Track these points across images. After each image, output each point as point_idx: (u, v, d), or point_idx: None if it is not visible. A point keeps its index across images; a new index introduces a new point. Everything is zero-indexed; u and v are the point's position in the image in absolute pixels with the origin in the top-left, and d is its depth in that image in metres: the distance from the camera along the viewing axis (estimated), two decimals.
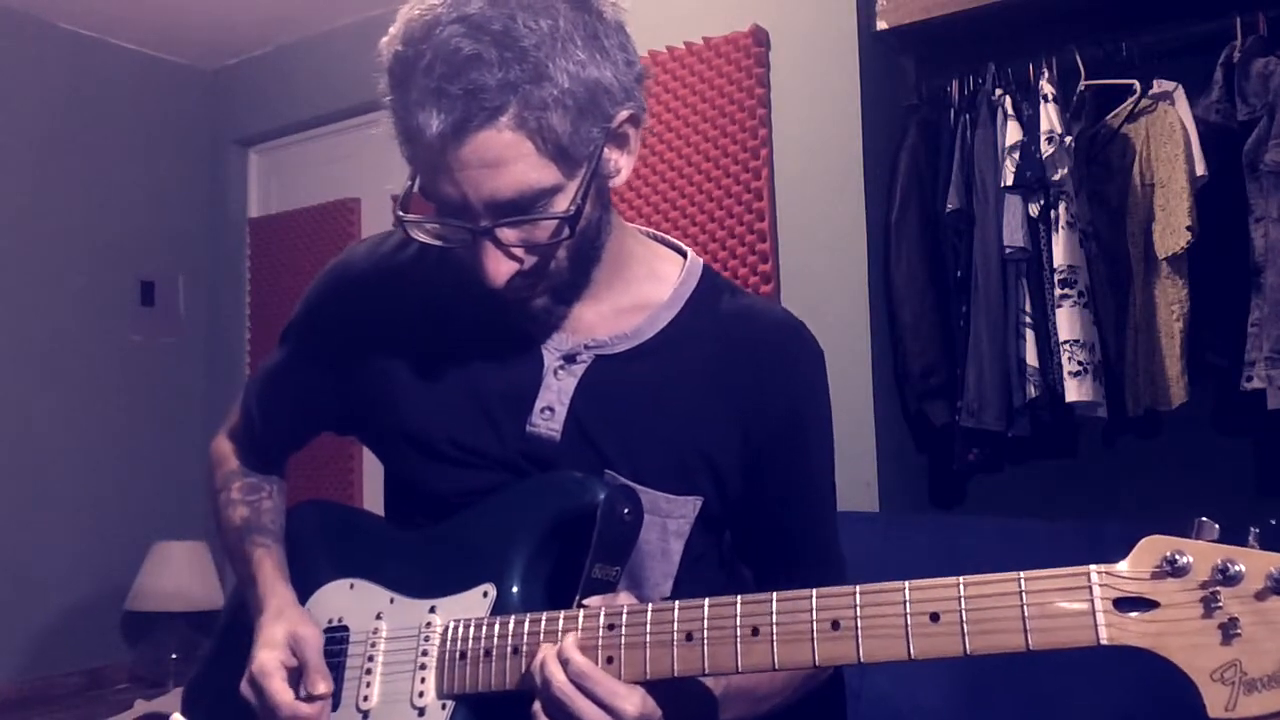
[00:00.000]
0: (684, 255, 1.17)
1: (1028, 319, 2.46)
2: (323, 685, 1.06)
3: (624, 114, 0.99)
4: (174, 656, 3.64)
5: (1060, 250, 2.39)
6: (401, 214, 1.01)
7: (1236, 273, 2.29)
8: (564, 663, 0.93)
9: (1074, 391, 2.37)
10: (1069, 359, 2.37)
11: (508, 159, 0.92)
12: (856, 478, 2.51)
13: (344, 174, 3.93)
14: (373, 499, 3.55)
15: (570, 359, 1.09)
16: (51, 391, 3.68)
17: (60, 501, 3.65)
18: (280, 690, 1.06)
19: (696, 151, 2.78)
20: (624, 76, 0.98)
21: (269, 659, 1.07)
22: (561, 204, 0.96)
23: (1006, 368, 2.47)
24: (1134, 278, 2.44)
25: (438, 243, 1.03)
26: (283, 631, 1.10)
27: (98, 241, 3.83)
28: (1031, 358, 2.43)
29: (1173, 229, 2.33)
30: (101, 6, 3.66)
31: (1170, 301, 2.37)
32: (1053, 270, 2.41)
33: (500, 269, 0.98)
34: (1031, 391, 2.42)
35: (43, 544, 3.60)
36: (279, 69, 4.02)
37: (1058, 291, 2.39)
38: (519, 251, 0.98)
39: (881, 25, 2.64)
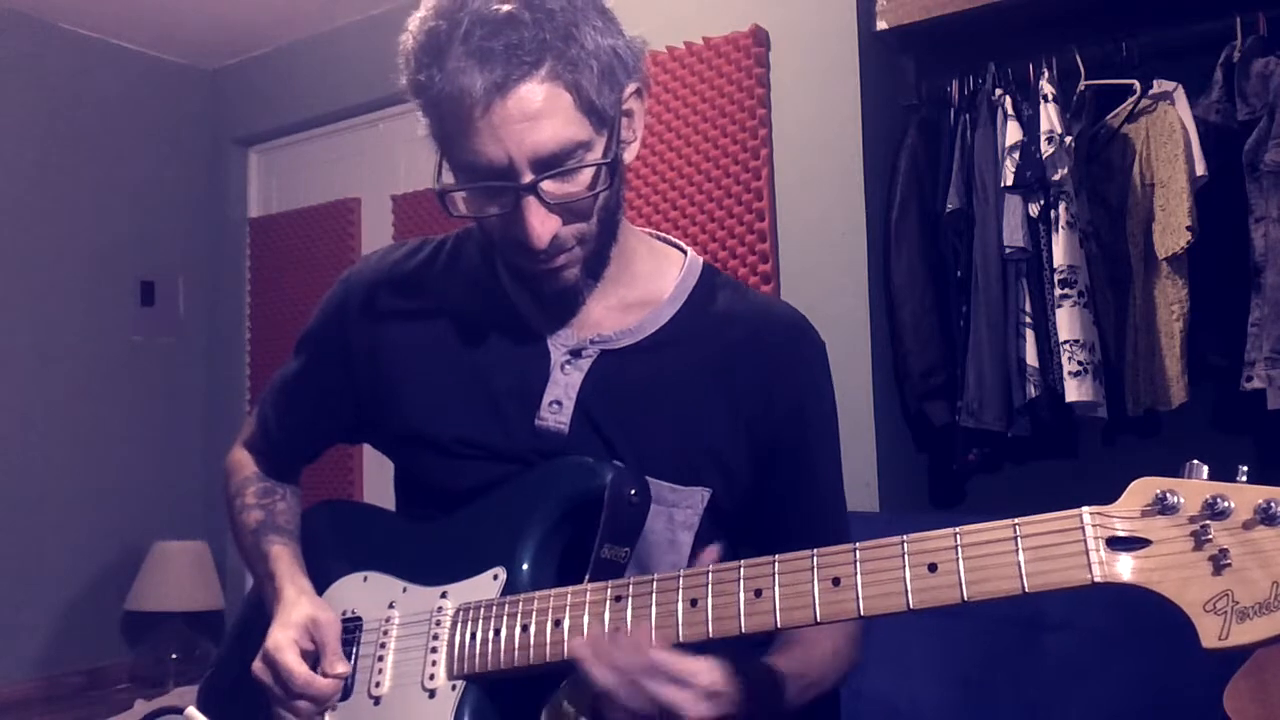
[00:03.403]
0: (684, 253, 1.20)
1: (1028, 319, 2.46)
2: (340, 666, 1.09)
3: (632, 86, 1.05)
4: (174, 656, 3.64)
5: (1060, 250, 2.39)
6: (438, 186, 1.04)
7: (1236, 273, 2.29)
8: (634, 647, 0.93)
9: (1074, 391, 2.37)
10: (1069, 359, 2.37)
11: (547, 112, 0.97)
12: (856, 478, 2.51)
13: (344, 174, 3.93)
14: (373, 499, 3.56)
15: (576, 353, 1.12)
16: (51, 391, 3.68)
17: (60, 501, 3.66)
18: (296, 663, 1.08)
19: (696, 151, 2.78)
20: (631, 48, 1.05)
21: (284, 637, 1.10)
22: (596, 157, 1.01)
23: (1006, 368, 2.47)
24: (1134, 278, 2.44)
25: (474, 215, 1.06)
26: (300, 614, 1.12)
27: (98, 241, 3.83)
28: (1031, 358, 2.43)
29: (1173, 229, 2.33)
30: (101, 6, 3.66)
31: (1170, 301, 2.37)
32: (1053, 270, 2.41)
33: (545, 226, 1.01)
34: (1031, 391, 2.42)
35: (43, 544, 3.60)
36: (279, 69, 4.02)
37: (1058, 291, 2.39)
38: (560, 208, 1.02)
39: (881, 25, 2.64)
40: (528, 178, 0.99)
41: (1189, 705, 1.86)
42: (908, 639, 2.11)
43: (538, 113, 0.97)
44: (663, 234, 1.23)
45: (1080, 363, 2.37)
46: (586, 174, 1.01)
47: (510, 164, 0.98)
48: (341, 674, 1.09)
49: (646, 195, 2.85)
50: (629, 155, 1.08)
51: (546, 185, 0.99)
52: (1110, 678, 2.00)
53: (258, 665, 1.10)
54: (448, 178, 1.05)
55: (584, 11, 0.99)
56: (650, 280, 1.16)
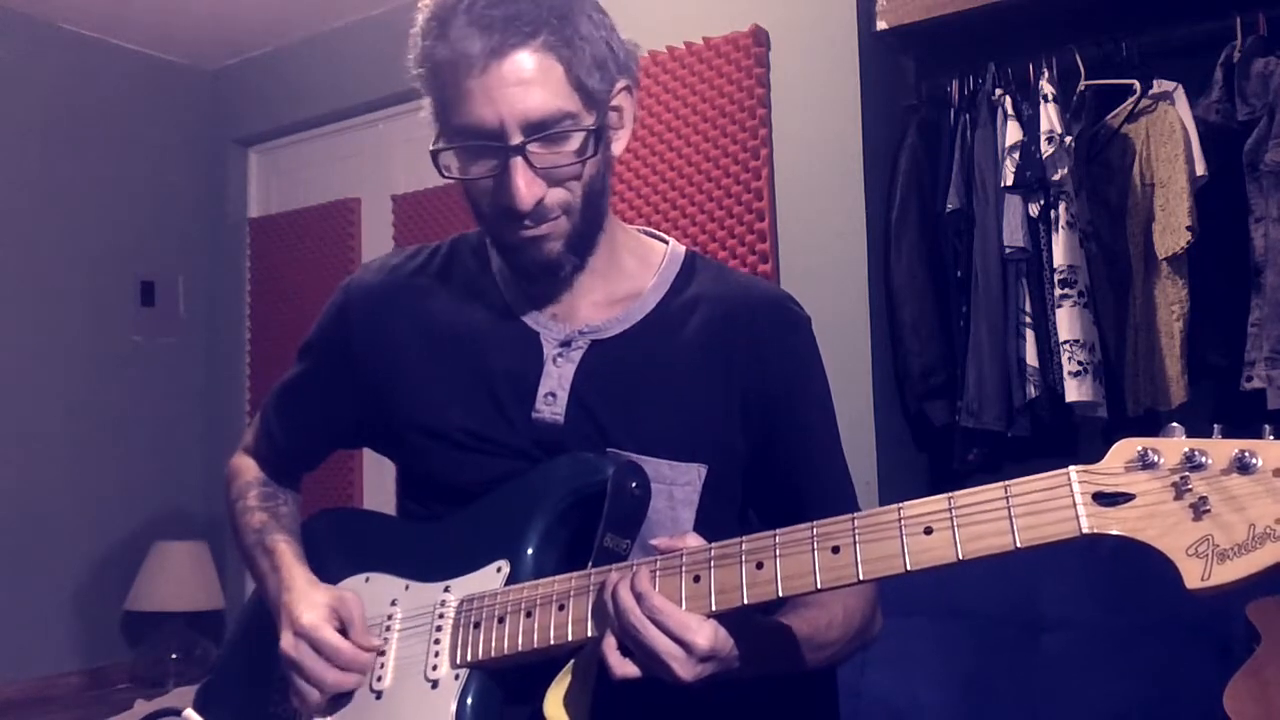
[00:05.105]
0: (667, 243, 1.25)
1: (1028, 319, 2.46)
2: (375, 639, 1.12)
3: (622, 83, 1.12)
4: (174, 656, 3.64)
5: (1060, 250, 2.39)
6: (433, 147, 1.10)
7: (1236, 273, 2.29)
8: (638, 595, 0.96)
9: (1074, 391, 2.37)
10: (1069, 359, 2.37)
11: (539, 79, 1.04)
12: (857, 478, 2.46)
13: (344, 174, 3.93)
14: (373, 503, 3.56)
15: (567, 345, 1.16)
16: (51, 391, 3.68)
17: (60, 501, 3.65)
18: (338, 638, 1.10)
19: (696, 151, 2.78)
20: (623, 47, 1.11)
21: (316, 615, 1.11)
22: (584, 127, 1.07)
23: (1006, 368, 2.47)
24: (1134, 278, 2.44)
25: (464, 176, 1.10)
26: (325, 595, 1.14)
27: (98, 241, 3.83)
28: (1031, 358, 2.43)
29: (1173, 229, 2.34)
30: (101, 6, 3.66)
31: (1170, 301, 2.37)
32: (1053, 270, 2.41)
33: (530, 189, 1.05)
34: (1031, 391, 2.42)
35: (43, 544, 3.60)
36: (279, 69, 4.02)
37: (1058, 291, 2.39)
38: (546, 173, 1.07)
39: (881, 25, 2.64)
40: (517, 139, 1.04)
41: (1188, 705, 1.86)
42: (908, 639, 2.11)
43: (530, 79, 1.03)
44: (648, 229, 1.28)
45: (1080, 363, 2.37)
46: (573, 141, 1.07)
47: (501, 125, 1.04)
48: (376, 646, 1.11)
49: (647, 195, 2.85)
50: (617, 148, 1.14)
51: (534, 148, 1.05)
52: (1109, 678, 2.00)
53: (289, 643, 1.11)
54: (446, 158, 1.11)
55: (581, 2, 1.07)
56: (636, 274, 1.20)
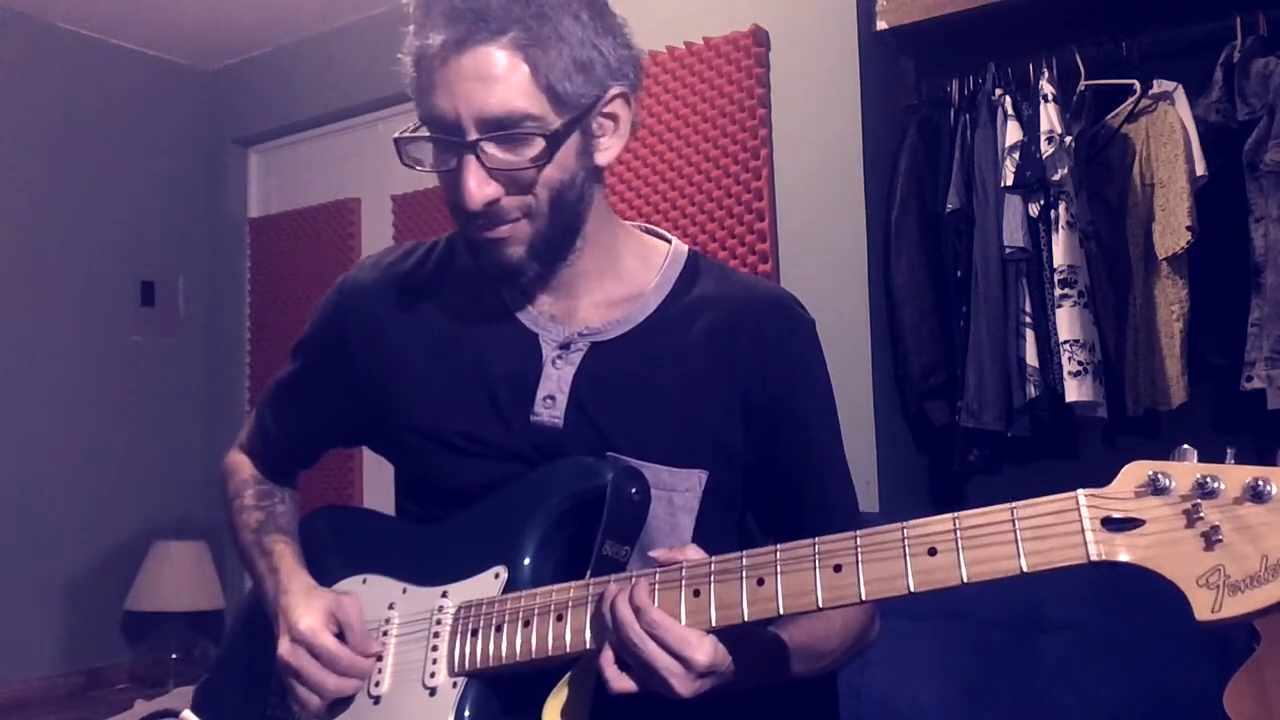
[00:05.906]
0: (669, 243, 1.22)
1: (1028, 319, 2.46)
2: (374, 644, 1.10)
3: (616, 90, 1.07)
4: (174, 656, 3.65)
5: (1060, 250, 2.39)
6: (397, 135, 1.08)
7: (1236, 273, 2.29)
8: (636, 610, 0.94)
9: (1074, 391, 2.37)
10: (1069, 359, 2.37)
11: (500, 78, 1.00)
12: (857, 478, 2.45)
13: (344, 174, 3.93)
14: (372, 501, 3.56)
15: (566, 347, 1.14)
16: (51, 391, 3.68)
17: (60, 502, 3.66)
18: (336, 644, 1.09)
19: (696, 151, 2.78)
20: (620, 52, 1.07)
21: (315, 620, 1.10)
22: (546, 132, 1.03)
23: (1006, 368, 2.47)
24: (1134, 278, 2.44)
25: (423, 167, 1.09)
26: (323, 600, 1.13)
27: (98, 241, 3.84)
28: (1031, 358, 2.43)
29: (1173, 229, 2.33)
30: (101, 6, 3.66)
31: (1170, 301, 2.37)
32: (1053, 270, 2.41)
33: (481, 189, 1.03)
34: (1031, 391, 2.42)
35: (43, 544, 3.60)
36: (279, 69, 4.02)
37: (1058, 291, 2.39)
38: (500, 175, 1.04)
39: (881, 25, 2.64)
40: (471, 135, 1.02)
41: (1188, 705, 1.86)
42: (908, 640, 2.11)
43: (491, 76, 1.00)
44: (651, 226, 1.25)
45: (1080, 363, 2.37)
46: (534, 145, 1.03)
47: (458, 120, 1.02)
48: (375, 651, 1.10)
49: (647, 195, 2.85)
50: (605, 156, 1.10)
51: (488, 148, 1.02)
52: (1109, 679, 2.00)
53: (286, 649, 1.10)
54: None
55: (568, 3, 1.02)
56: (636, 274, 1.17)
